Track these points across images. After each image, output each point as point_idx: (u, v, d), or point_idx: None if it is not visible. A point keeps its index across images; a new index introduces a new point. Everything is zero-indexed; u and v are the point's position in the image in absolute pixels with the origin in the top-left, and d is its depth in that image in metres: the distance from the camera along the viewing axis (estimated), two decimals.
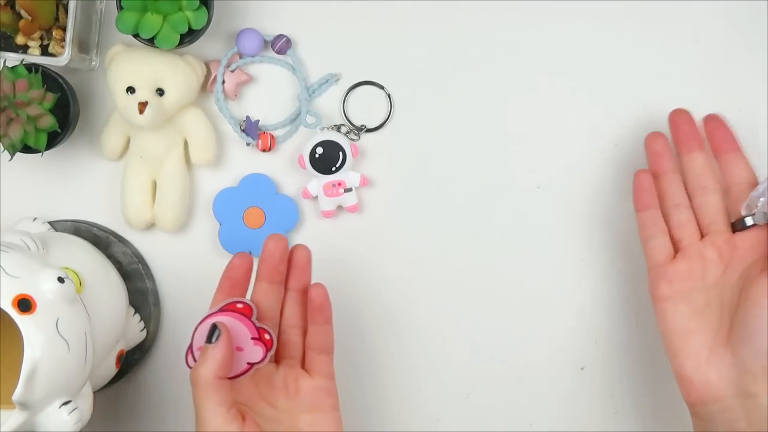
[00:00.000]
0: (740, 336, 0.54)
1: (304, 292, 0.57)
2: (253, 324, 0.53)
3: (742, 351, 0.53)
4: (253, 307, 0.54)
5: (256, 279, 0.57)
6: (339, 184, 0.65)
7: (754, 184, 0.59)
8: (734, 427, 0.53)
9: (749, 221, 0.57)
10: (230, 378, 0.52)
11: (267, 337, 0.53)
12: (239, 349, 0.53)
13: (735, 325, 0.54)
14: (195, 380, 0.50)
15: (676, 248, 0.59)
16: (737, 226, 0.58)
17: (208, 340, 0.51)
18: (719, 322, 0.56)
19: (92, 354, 0.54)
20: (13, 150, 0.59)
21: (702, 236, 0.59)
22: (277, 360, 0.57)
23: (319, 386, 0.56)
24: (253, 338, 0.53)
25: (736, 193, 0.59)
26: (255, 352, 0.53)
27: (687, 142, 0.61)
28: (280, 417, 0.55)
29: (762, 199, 0.57)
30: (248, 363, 0.53)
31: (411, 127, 0.67)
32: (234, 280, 0.55)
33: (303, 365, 0.57)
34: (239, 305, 0.54)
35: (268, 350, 0.53)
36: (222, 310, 0.53)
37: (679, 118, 0.61)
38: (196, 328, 0.53)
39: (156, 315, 0.67)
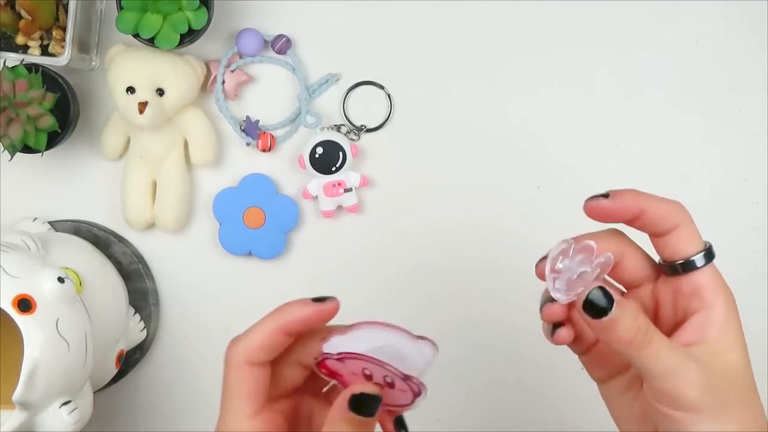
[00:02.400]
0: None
1: None
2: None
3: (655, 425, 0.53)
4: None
5: None
6: (339, 184, 0.65)
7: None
8: None
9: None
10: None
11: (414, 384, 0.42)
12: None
13: None
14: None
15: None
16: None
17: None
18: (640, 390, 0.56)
19: (92, 354, 0.54)
20: (13, 150, 0.59)
21: None
22: None
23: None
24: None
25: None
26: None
27: None
28: None
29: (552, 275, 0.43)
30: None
31: (411, 127, 0.67)
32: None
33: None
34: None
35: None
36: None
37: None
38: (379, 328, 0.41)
39: (156, 315, 0.67)
